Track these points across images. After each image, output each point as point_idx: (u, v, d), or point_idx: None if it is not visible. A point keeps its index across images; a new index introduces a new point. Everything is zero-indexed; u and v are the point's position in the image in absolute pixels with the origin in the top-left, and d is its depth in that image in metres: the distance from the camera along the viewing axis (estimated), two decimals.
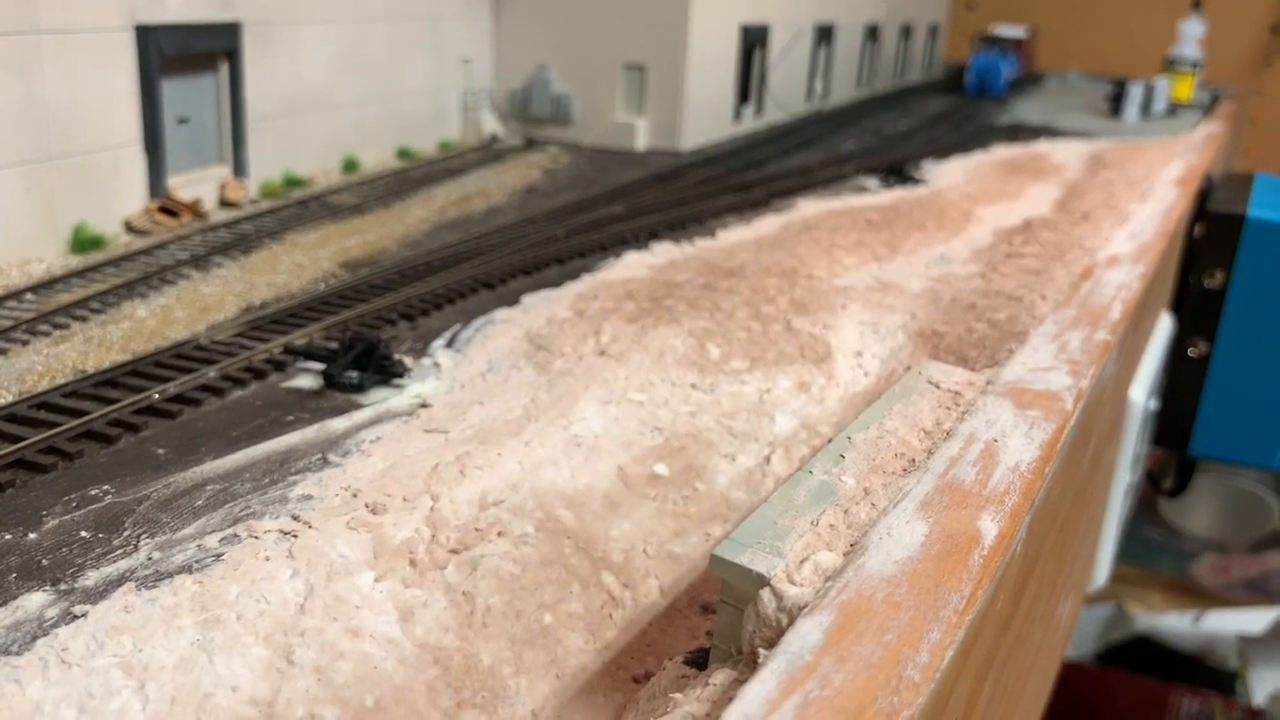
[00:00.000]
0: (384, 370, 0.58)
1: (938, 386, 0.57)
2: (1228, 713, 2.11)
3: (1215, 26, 2.64)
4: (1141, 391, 0.92)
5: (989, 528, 0.41)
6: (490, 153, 1.30)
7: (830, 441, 0.49)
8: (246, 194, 0.95)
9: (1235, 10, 2.87)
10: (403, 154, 1.22)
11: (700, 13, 1.37)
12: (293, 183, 1.02)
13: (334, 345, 0.60)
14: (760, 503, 0.43)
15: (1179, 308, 1.24)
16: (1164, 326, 1.10)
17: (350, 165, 1.12)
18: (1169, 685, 2.16)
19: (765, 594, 0.36)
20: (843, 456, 0.48)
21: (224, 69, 0.93)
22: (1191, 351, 1.24)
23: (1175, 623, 2.25)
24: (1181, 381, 1.25)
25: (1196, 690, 2.11)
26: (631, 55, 1.39)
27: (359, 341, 0.58)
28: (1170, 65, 2.34)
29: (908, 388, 0.57)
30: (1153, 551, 2.45)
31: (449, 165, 1.20)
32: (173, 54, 0.86)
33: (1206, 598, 2.39)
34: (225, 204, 0.94)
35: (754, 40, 1.58)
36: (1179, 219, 1.06)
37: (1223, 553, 2.10)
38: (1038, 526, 0.50)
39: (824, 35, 1.90)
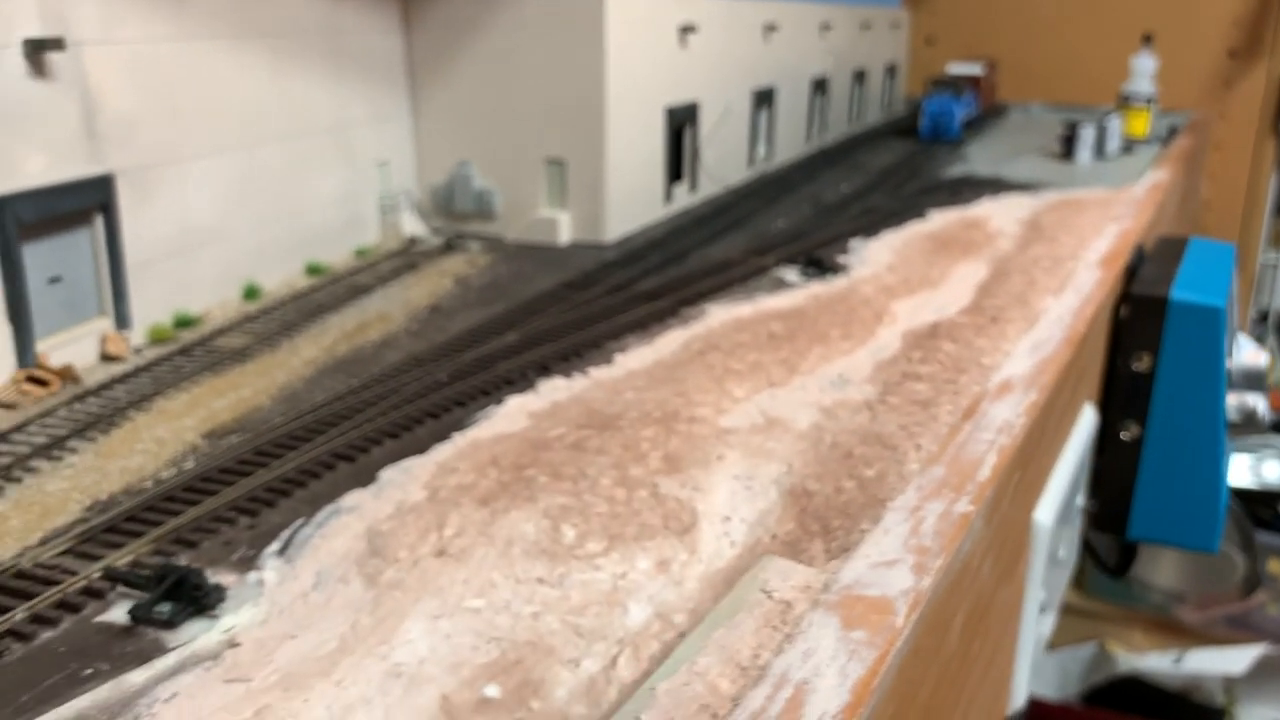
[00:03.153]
0: (197, 601, 0.56)
1: (770, 596, 0.55)
2: None
3: (1175, 52, 2.63)
4: (1049, 511, 0.90)
5: None
6: (406, 259, 1.28)
7: (633, 696, 0.47)
8: (129, 346, 0.94)
9: (1194, 36, 2.86)
10: (312, 270, 1.21)
11: (617, 105, 1.35)
12: (184, 323, 1.00)
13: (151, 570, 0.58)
14: None
15: (1109, 390, 1.22)
16: (1086, 421, 1.08)
17: (250, 292, 1.10)
18: None
19: None
20: (639, 719, 0.46)
21: (98, 222, 0.92)
22: (1124, 435, 1.21)
23: (1157, 663, 2.22)
24: (1115, 466, 1.22)
25: None
26: (551, 150, 1.37)
27: (171, 570, 0.56)
28: (1124, 101, 2.33)
29: (737, 601, 0.55)
30: (1134, 591, 2.42)
31: (358, 281, 1.18)
32: (35, 220, 0.84)
33: (1189, 636, 2.35)
34: (107, 358, 0.92)
35: (682, 120, 1.56)
36: (1093, 315, 1.04)
37: (1189, 604, 2.07)
38: None
39: (764, 99, 1.89)
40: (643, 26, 1.39)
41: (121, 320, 0.94)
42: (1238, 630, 2.32)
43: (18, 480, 0.70)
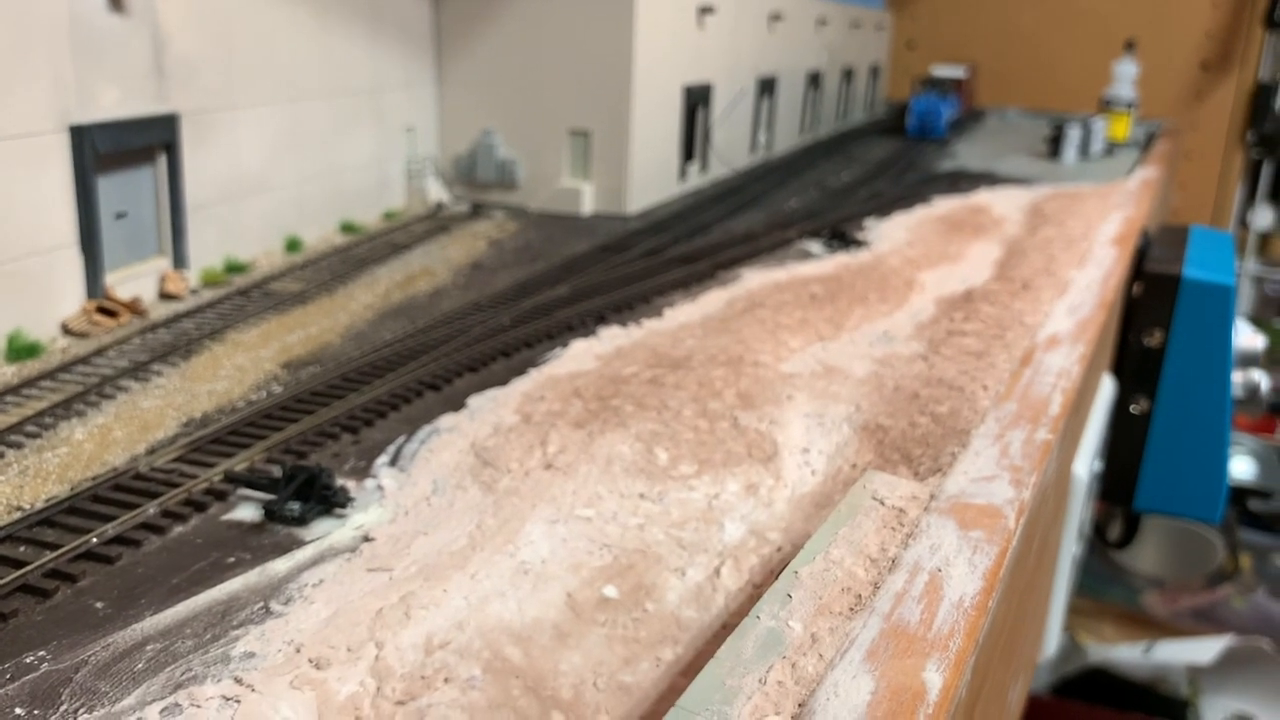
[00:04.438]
0: (326, 500, 0.57)
1: (882, 503, 0.58)
2: None
3: (1149, 62, 2.70)
4: (1084, 464, 0.93)
5: (934, 680, 0.42)
6: (436, 223, 1.30)
7: (777, 578, 0.49)
8: (187, 285, 0.94)
9: (1167, 47, 2.94)
10: (346, 228, 1.22)
11: (643, 78, 1.38)
12: (234, 269, 1.01)
13: (275, 472, 0.59)
14: (710, 660, 0.43)
15: (1120, 365, 1.26)
16: (1106, 390, 1.12)
17: (293, 245, 1.11)
18: (1123, 715, 2.18)
19: None
20: (790, 596, 0.48)
21: (162, 161, 0.92)
22: (1134, 409, 1.26)
23: (1127, 654, 2.28)
24: (1125, 438, 1.27)
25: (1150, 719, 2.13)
26: (576, 121, 1.39)
27: (300, 471, 0.58)
28: (1106, 105, 2.39)
29: (853, 506, 0.57)
30: (1104, 583, 2.47)
31: (394, 239, 1.20)
32: (108, 152, 0.85)
33: (1157, 628, 2.41)
34: (165, 297, 0.93)
35: (697, 99, 1.59)
36: (1117, 285, 1.08)
37: (1167, 589, 2.13)
38: (984, 654, 0.50)
39: (767, 87, 1.92)
40: (667, 3, 1.42)
41: (179, 260, 0.95)
42: (1203, 623, 2.38)
43: (111, 397, 0.71)
